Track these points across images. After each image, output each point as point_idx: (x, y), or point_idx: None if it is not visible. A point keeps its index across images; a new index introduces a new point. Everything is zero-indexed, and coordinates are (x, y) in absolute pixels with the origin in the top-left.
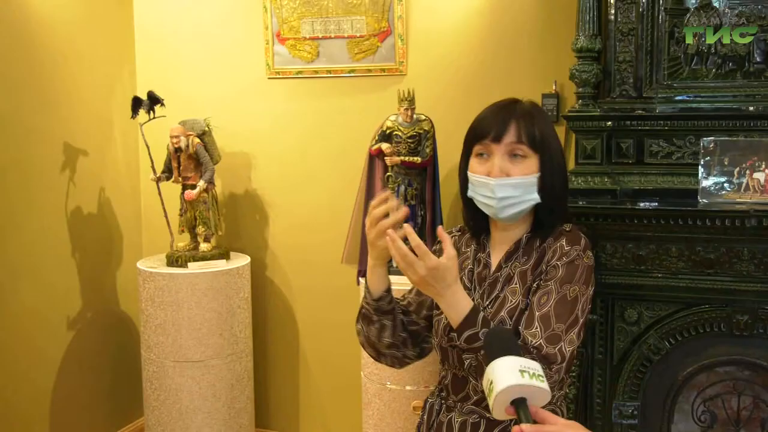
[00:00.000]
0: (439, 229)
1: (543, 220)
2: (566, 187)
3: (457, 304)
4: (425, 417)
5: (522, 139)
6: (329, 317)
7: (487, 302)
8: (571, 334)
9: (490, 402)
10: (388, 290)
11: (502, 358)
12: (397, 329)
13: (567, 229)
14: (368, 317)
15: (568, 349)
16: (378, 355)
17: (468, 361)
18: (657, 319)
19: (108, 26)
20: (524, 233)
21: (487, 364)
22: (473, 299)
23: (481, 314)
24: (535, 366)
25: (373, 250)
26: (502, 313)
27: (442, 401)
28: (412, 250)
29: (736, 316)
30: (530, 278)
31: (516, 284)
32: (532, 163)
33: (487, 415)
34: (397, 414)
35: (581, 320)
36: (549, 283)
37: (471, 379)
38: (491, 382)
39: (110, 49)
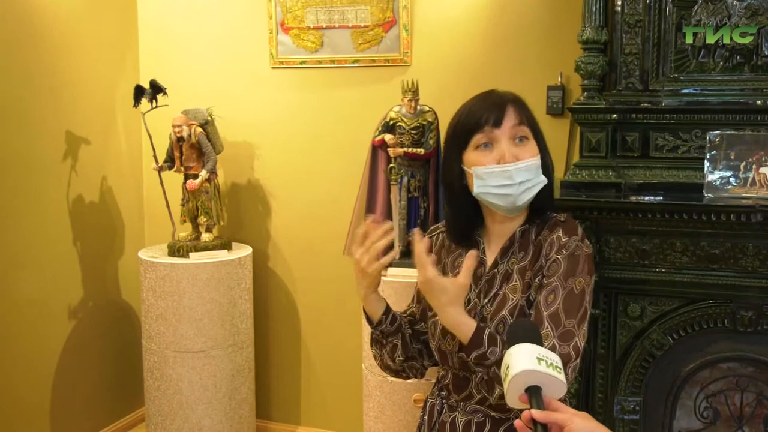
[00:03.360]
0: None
1: (541, 204)
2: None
3: (459, 324)
4: (426, 417)
5: (523, 120)
6: (331, 309)
7: (486, 300)
8: (583, 328)
9: (505, 386)
10: (387, 311)
11: (520, 344)
12: (408, 344)
13: (562, 219)
14: (379, 341)
15: (581, 343)
16: (396, 373)
17: (480, 375)
18: (660, 314)
19: (111, 15)
20: (520, 224)
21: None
22: (469, 298)
23: (487, 332)
24: (554, 357)
25: (364, 279)
26: (503, 312)
27: (443, 401)
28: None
29: (740, 312)
30: (529, 274)
31: (516, 282)
32: (534, 144)
33: (492, 413)
34: (398, 406)
35: (589, 311)
36: (553, 279)
37: (483, 392)
38: (508, 367)
39: (113, 37)
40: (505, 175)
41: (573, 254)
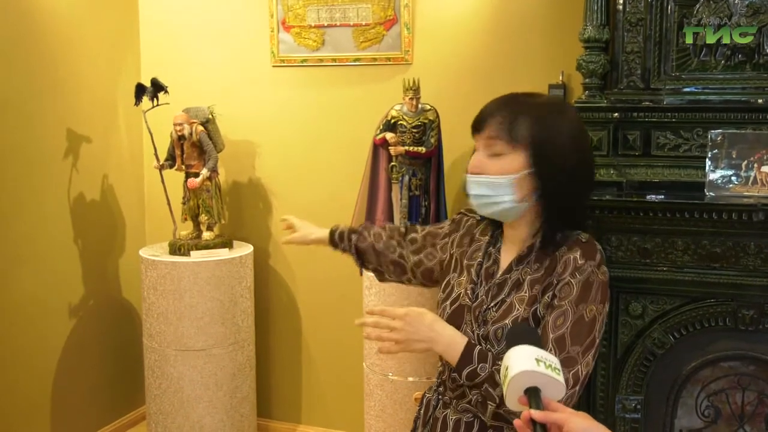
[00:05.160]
0: None
1: (548, 225)
2: (579, 193)
3: (453, 341)
4: (422, 411)
5: (499, 134)
6: (332, 307)
7: (492, 304)
8: (588, 356)
9: (504, 388)
10: (333, 242)
11: (520, 346)
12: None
13: (583, 239)
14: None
15: (583, 372)
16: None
17: (474, 396)
18: (662, 312)
19: (112, 12)
20: (530, 234)
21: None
22: (477, 294)
23: (477, 348)
24: (553, 359)
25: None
26: (506, 321)
27: (440, 396)
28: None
29: (741, 311)
30: (538, 287)
31: (525, 292)
32: (513, 161)
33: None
34: (399, 405)
35: (598, 340)
36: (563, 303)
37: (479, 415)
38: (507, 368)
39: (115, 35)
40: (467, 183)
41: (587, 280)
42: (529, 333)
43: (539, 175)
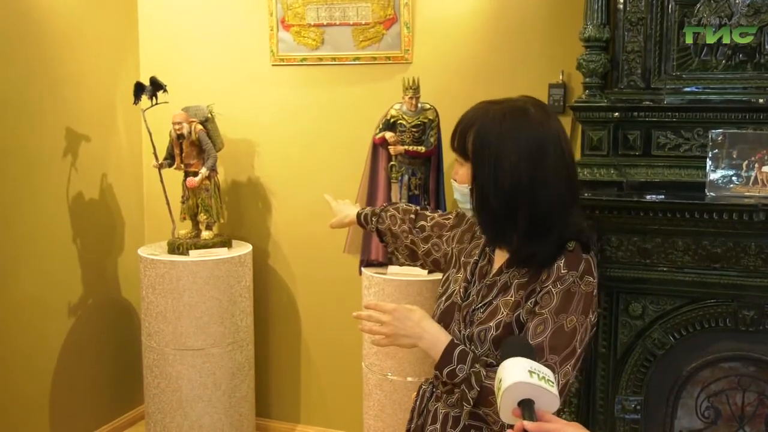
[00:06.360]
0: None
1: (517, 238)
2: (536, 211)
3: (436, 341)
4: (417, 402)
5: (456, 145)
6: (331, 307)
7: (480, 305)
8: (566, 366)
9: (498, 400)
10: (360, 222)
11: (513, 358)
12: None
13: (570, 248)
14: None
15: (561, 381)
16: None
17: (457, 395)
18: (662, 313)
19: (112, 11)
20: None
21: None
22: (469, 294)
23: (458, 349)
24: (546, 371)
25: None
26: (491, 323)
27: (434, 389)
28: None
29: (742, 312)
30: (523, 293)
31: (511, 296)
32: (467, 171)
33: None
34: (398, 405)
35: (579, 351)
36: (544, 312)
37: (458, 411)
38: (500, 380)
39: (114, 34)
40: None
41: (568, 291)
42: (522, 345)
43: (478, 189)
